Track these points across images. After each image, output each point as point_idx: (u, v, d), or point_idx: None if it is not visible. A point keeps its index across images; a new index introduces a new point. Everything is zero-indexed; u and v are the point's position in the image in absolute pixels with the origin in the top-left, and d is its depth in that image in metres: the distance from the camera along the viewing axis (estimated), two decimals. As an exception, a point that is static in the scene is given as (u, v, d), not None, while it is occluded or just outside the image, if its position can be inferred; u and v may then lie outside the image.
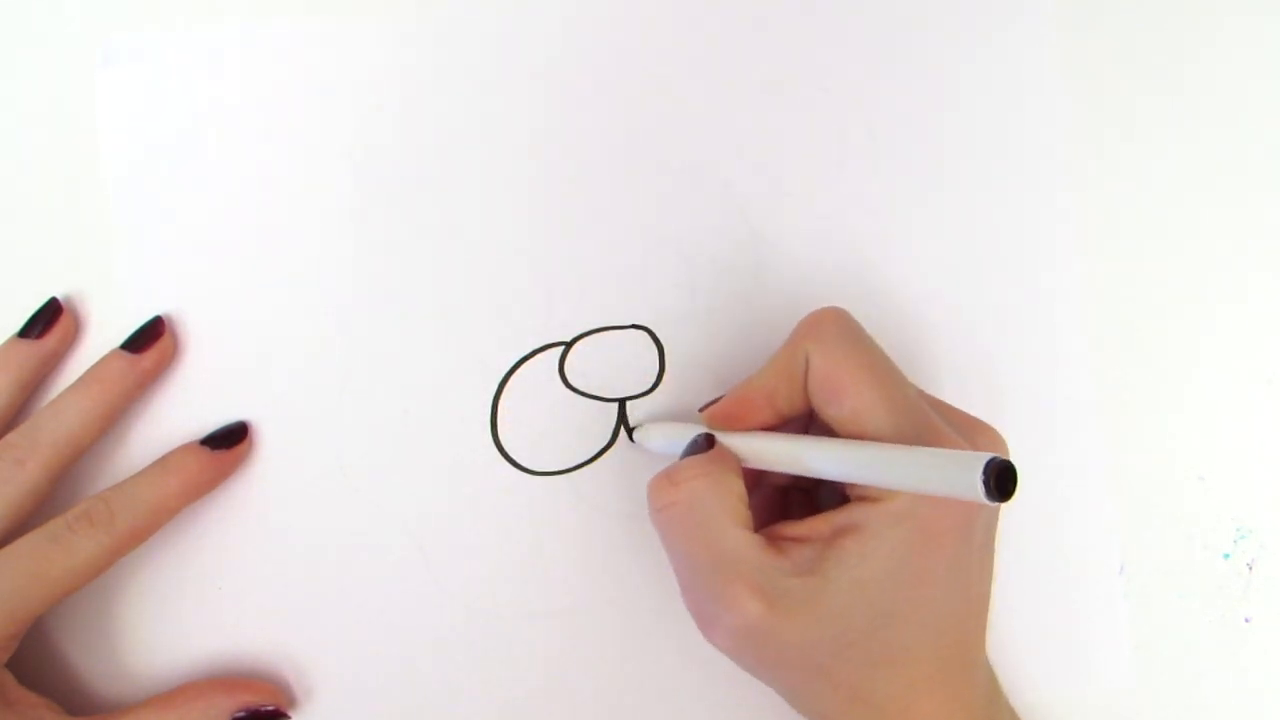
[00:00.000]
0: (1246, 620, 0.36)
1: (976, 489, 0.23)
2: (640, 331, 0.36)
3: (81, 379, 0.33)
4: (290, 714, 0.34)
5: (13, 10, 0.36)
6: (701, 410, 0.33)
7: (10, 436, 0.32)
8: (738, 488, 0.30)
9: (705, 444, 0.31)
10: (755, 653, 0.29)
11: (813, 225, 0.36)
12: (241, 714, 0.33)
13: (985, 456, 0.23)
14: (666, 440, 0.34)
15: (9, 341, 0.34)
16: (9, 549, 0.31)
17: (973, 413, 0.32)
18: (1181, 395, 0.37)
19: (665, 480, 0.30)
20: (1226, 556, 0.36)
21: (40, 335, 0.34)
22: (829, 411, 0.30)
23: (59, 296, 0.35)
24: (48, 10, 0.36)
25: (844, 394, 0.29)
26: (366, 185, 0.36)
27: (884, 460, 0.27)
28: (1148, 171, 0.37)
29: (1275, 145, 0.37)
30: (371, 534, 0.35)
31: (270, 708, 0.33)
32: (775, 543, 0.29)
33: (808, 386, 0.30)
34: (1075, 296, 0.37)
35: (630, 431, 0.35)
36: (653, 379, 0.36)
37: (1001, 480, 0.23)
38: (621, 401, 0.36)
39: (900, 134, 0.36)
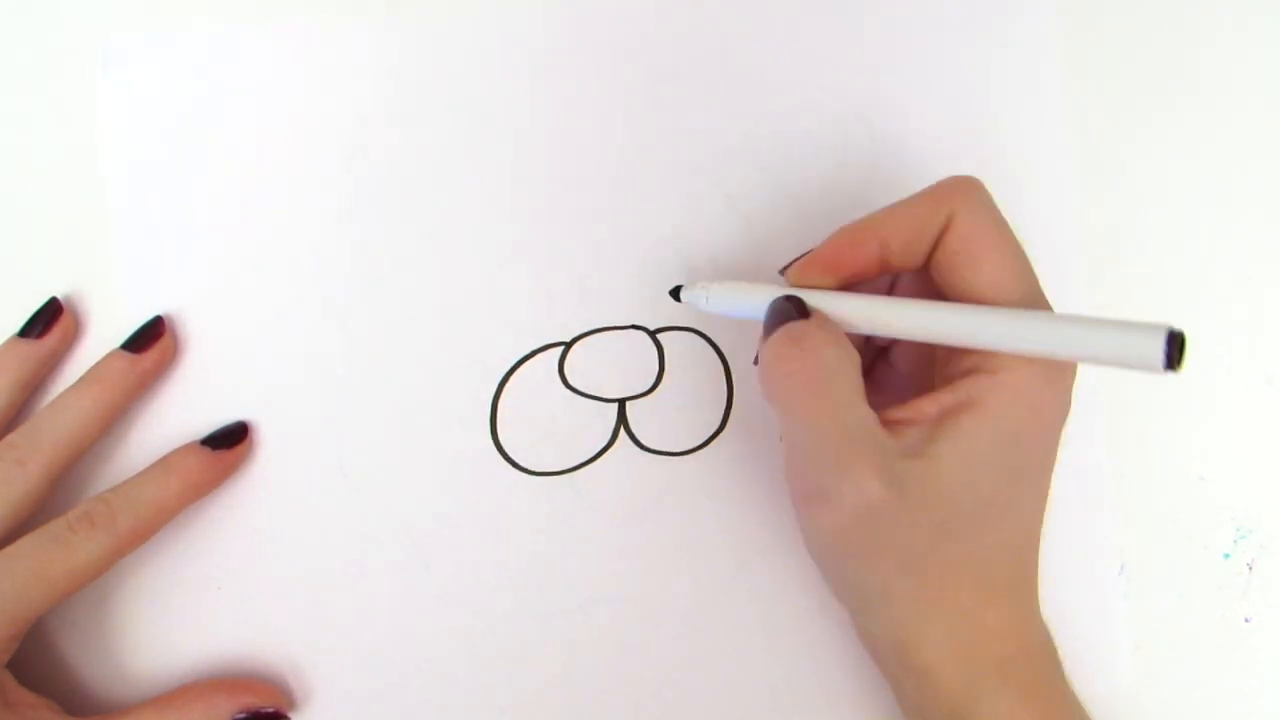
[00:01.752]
0: (1246, 620, 0.36)
1: (1158, 357, 0.23)
2: (640, 331, 0.36)
3: (81, 379, 0.33)
4: (290, 715, 0.34)
5: (13, 10, 0.36)
6: (784, 270, 0.30)
7: (10, 437, 0.32)
8: (857, 357, 0.28)
9: (794, 309, 0.28)
10: (861, 540, 0.27)
11: (813, 225, 0.36)
12: (242, 715, 0.33)
13: (1165, 326, 0.24)
14: (734, 301, 0.30)
15: (9, 341, 0.34)
16: (9, 550, 0.31)
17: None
18: (1181, 395, 0.37)
19: (790, 342, 0.27)
20: (1226, 556, 0.36)
21: (40, 335, 0.34)
22: (956, 276, 0.28)
23: (59, 296, 0.35)
24: (48, 10, 0.36)
25: (984, 260, 0.28)
26: (366, 185, 0.36)
27: (1066, 328, 0.25)
28: (1148, 171, 0.37)
29: (1276, 145, 0.37)
30: (371, 534, 0.35)
31: (270, 709, 0.33)
32: (884, 424, 0.28)
33: (942, 245, 0.28)
34: (1076, 296, 0.37)
35: (675, 291, 0.33)
36: (652, 379, 0.36)
37: (1180, 349, 0.24)
38: (621, 401, 0.36)
39: (900, 134, 0.36)
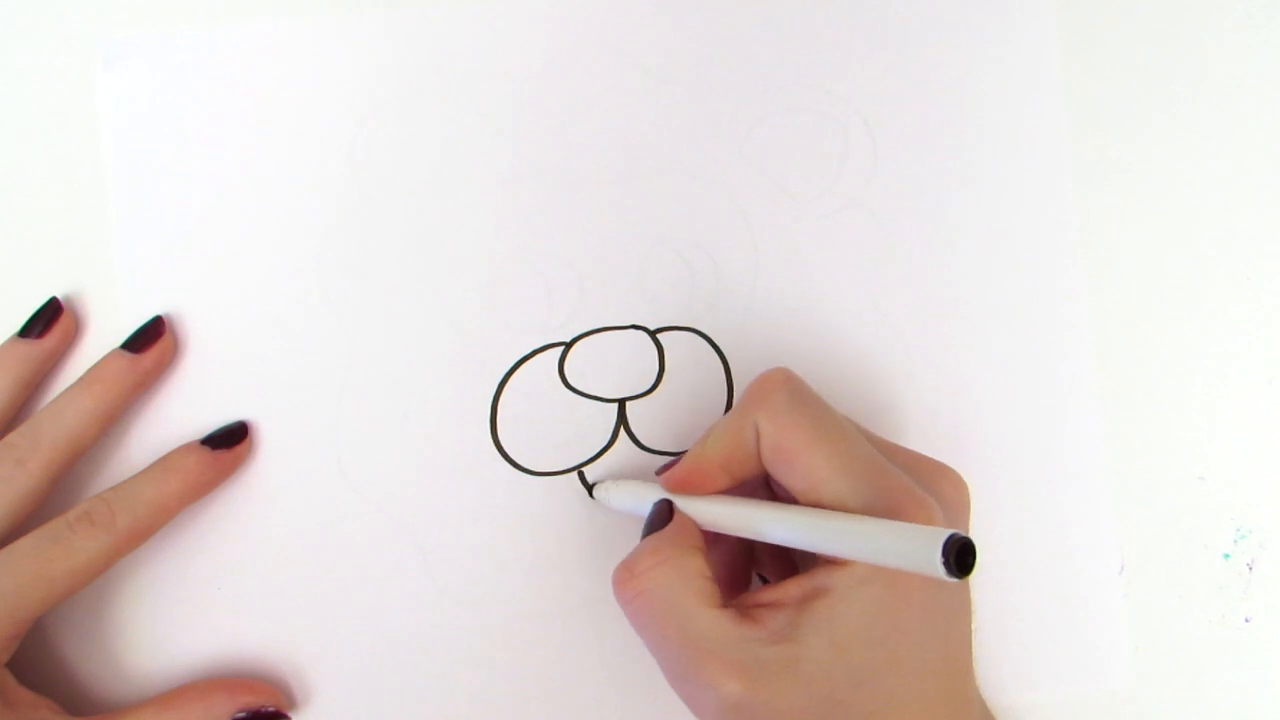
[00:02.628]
0: (1246, 620, 0.36)
1: (936, 566, 0.23)
2: (640, 331, 0.36)
3: (81, 379, 0.33)
4: (290, 714, 0.34)
5: (13, 10, 0.36)
6: (658, 474, 0.32)
7: (11, 436, 0.32)
8: (698, 565, 0.29)
9: (665, 513, 0.31)
10: None
11: (813, 225, 0.36)
12: (242, 714, 0.33)
13: (943, 533, 0.23)
14: (627, 500, 0.33)
15: (9, 341, 0.34)
16: (9, 549, 0.31)
17: (972, 413, 0.32)
18: (1181, 395, 0.37)
19: (626, 573, 0.30)
20: (1226, 556, 0.36)
21: (40, 335, 0.34)
22: (785, 480, 0.29)
23: (59, 296, 0.35)
24: (48, 10, 0.36)
25: (797, 463, 0.29)
26: (366, 185, 0.36)
27: (842, 532, 0.27)
28: (1148, 171, 0.37)
29: (1276, 145, 0.37)
30: (371, 534, 0.35)
31: (270, 708, 0.33)
32: (747, 612, 0.29)
33: (761, 453, 0.30)
34: (1076, 296, 0.37)
35: (589, 489, 0.35)
36: (652, 379, 0.36)
37: (961, 557, 0.23)
38: (621, 402, 0.36)
39: (900, 134, 0.36)
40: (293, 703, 0.34)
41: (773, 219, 0.36)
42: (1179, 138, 0.37)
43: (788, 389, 0.30)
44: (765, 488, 0.32)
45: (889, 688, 0.28)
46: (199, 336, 0.35)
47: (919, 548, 0.24)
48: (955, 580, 0.23)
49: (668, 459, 0.35)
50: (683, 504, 0.31)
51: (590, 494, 0.35)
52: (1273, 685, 0.36)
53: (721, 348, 0.36)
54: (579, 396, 0.35)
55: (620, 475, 0.35)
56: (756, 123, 0.36)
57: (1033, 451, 0.36)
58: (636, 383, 0.36)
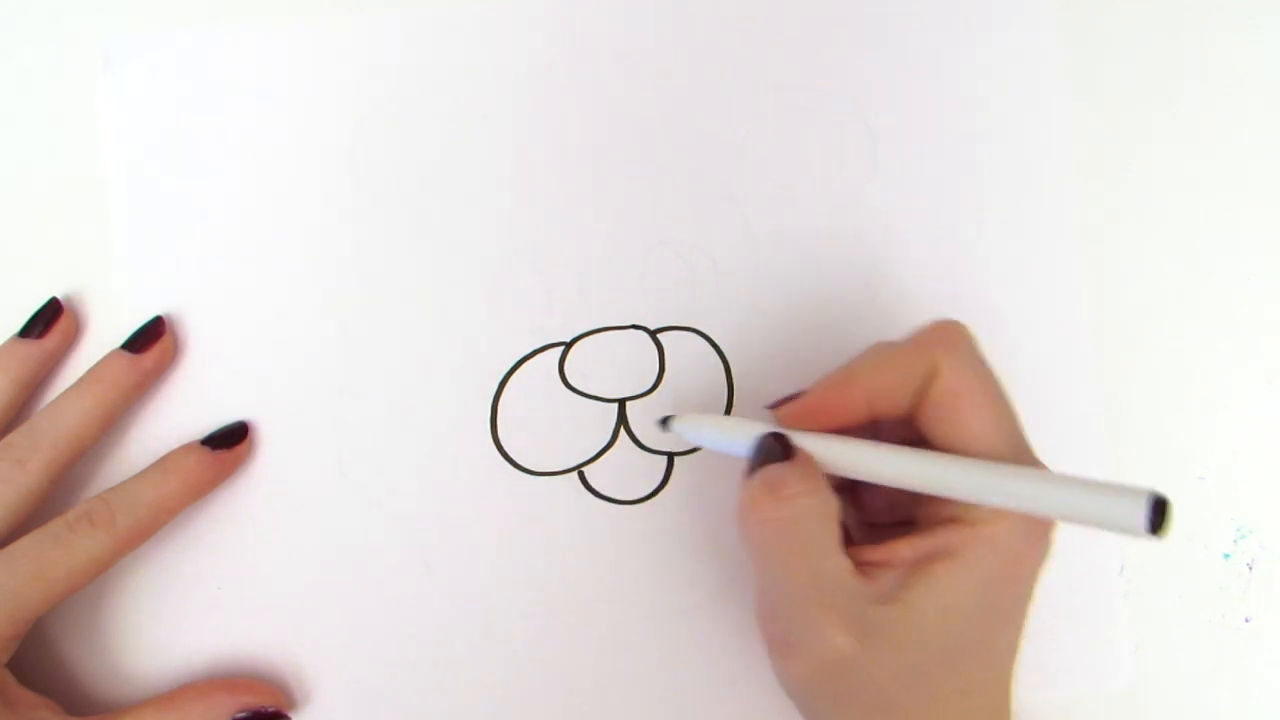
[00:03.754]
0: (1246, 620, 0.36)
1: (1139, 522, 0.23)
2: (640, 331, 0.36)
3: (82, 379, 0.33)
4: (290, 714, 0.34)
5: (13, 10, 0.36)
6: (773, 407, 0.30)
7: (10, 437, 0.32)
8: (836, 505, 0.28)
9: (782, 449, 0.28)
10: (831, 688, 0.27)
11: (813, 225, 0.36)
12: (242, 714, 0.33)
13: (1148, 491, 0.23)
14: (719, 436, 0.31)
15: (9, 341, 0.34)
16: (9, 549, 0.31)
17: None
18: (1181, 395, 0.37)
19: (768, 493, 0.27)
20: (1226, 556, 0.36)
21: (40, 335, 0.34)
22: (941, 427, 0.28)
23: (59, 296, 0.35)
24: (48, 10, 0.36)
25: (969, 413, 0.27)
26: (366, 185, 0.36)
27: (1049, 487, 0.25)
28: (1148, 171, 0.37)
29: (1276, 144, 0.37)
30: (371, 534, 0.35)
31: (271, 708, 0.33)
32: (858, 566, 0.27)
33: (928, 396, 0.28)
34: (1076, 296, 0.37)
35: (664, 421, 0.32)
36: (652, 379, 0.36)
37: (1162, 515, 0.23)
38: (621, 402, 0.36)
39: (900, 134, 0.36)
40: (293, 703, 0.34)
41: (773, 219, 0.36)
42: (1180, 138, 0.37)
43: (972, 340, 0.29)
44: (872, 435, 0.30)
45: (972, 671, 0.28)
46: (199, 336, 0.35)
47: (1126, 504, 0.23)
48: (1152, 538, 0.23)
49: (666, 457, 0.35)
50: (810, 443, 0.28)
51: (664, 426, 0.32)
52: (1273, 685, 0.36)
53: (721, 348, 0.36)
54: (579, 396, 0.35)
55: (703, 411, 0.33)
56: (756, 123, 0.36)
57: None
58: (636, 383, 0.36)
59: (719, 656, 0.35)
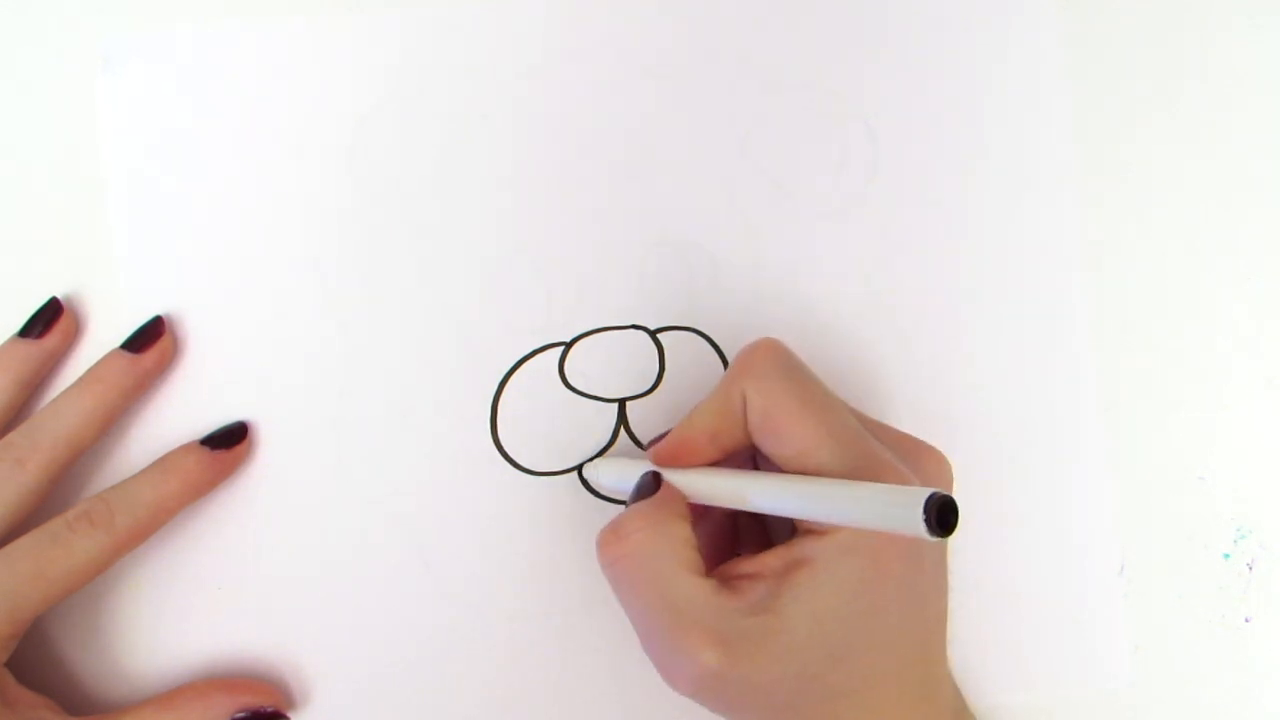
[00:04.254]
0: (1246, 620, 0.36)
1: (918, 525, 0.23)
2: (640, 331, 0.36)
3: (81, 379, 0.33)
4: (290, 714, 0.34)
5: (13, 10, 0.36)
6: (647, 447, 0.32)
7: (10, 436, 0.32)
8: (684, 533, 0.29)
9: (652, 484, 0.31)
10: (719, 698, 0.29)
11: (813, 225, 0.36)
12: (241, 714, 0.33)
13: (925, 492, 0.23)
14: (616, 478, 0.33)
15: (9, 341, 0.34)
16: (9, 549, 0.31)
17: (973, 413, 0.32)
18: (1181, 395, 0.37)
19: (611, 535, 0.30)
20: (1226, 556, 0.36)
21: (40, 335, 0.34)
22: (770, 448, 0.29)
23: (59, 296, 0.35)
24: (48, 10, 0.36)
25: (784, 431, 0.29)
26: (366, 184, 0.36)
27: (825, 496, 0.27)
28: (1148, 171, 0.37)
29: (1276, 145, 0.37)
30: (371, 534, 0.35)
31: (270, 708, 0.33)
32: (728, 582, 0.29)
33: (748, 423, 0.30)
34: (1075, 296, 0.37)
35: (579, 469, 0.35)
36: (653, 379, 0.36)
37: (943, 515, 0.23)
38: (621, 401, 0.36)
39: (900, 134, 0.36)
40: (292, 703, 0.34)
41: (773, 219, 0.36)
42: (1180, 138, 0.37)
43: (775, 358, 0.30)
44: (751, 462, 0.32)
45: (865, 665, 0.28)
46: (199, 336, 0.35)
47: (901, 507, 0.24)
48: (937, 540, 0.23)
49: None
50: (670, 476, 0.31)
51: (580, 476, 0.35)
52: (1273, 685, 0.36)
53: (721, 348, 0.36)
54: (579, 396, 0.35)
55: (611, 455, 0.35)
56: (756, 123, 0.36)
57: (1033, 452, 0.36)
58: (636, 383, 0.36)
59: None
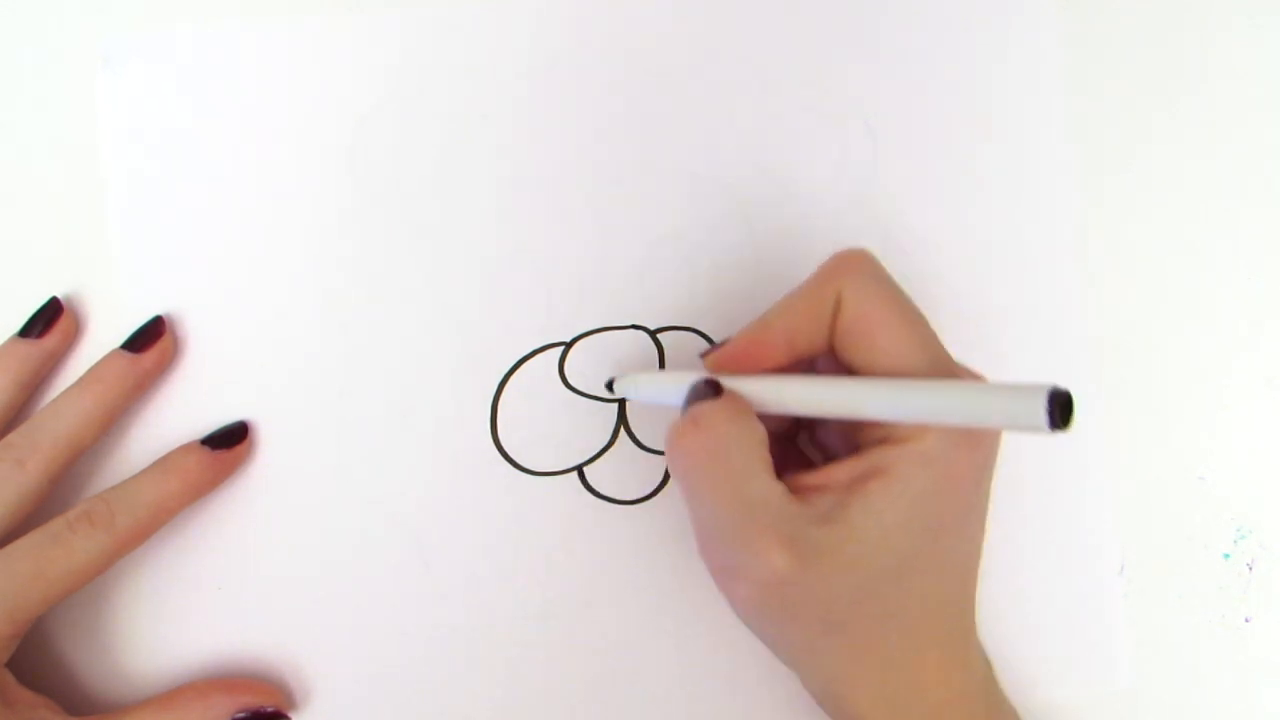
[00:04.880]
0: (1246, 620, 0.36)
1: (1041, 418, 0.23)
2: (640, 331, 0.36)
3: (82, 379, 0.33)
4: (290, 714, 0.34)
5: (13, 10, 0.36)
6: (703, 355, 0.31)
7: (10, 436, 0.32)
8: (762, 432, 0.28)
9: (712, 389, 0.29)
10: (777, 608, 0.28)
11: (813, 225, 0.36)
12: (241, 714, 0.33)
13: (1046, 386, 0.23)
14: (656, 389, 0.32)
15: (9, 341, 0.34)
16: (9, 549, 0.31)
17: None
18: (1181, 395, 0.37)
19: (689, 424, 0.28)
20: (1226, 556, 0.36)
21: (40, 335, 0.34)
22: (857, 353, 0.28)
23: (59, 296, 0.35)
24: (48, 10, 0.36)
25: (879, 334, 0.28)
26: (366, 185, 0.36)
27: (946, 395, 0.26)
28: (1148, 170, 0.37)
29: (1276, 145, 0.37)
30: (371, 534, 0.35)
31: (270, 708, 0.33)
32: (797, 491, 0.28)
33: (837, 326, 0.29)
34: (1075, 296, 0.37)
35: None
36: (653, 379, 0.36)
37: (1065, 409, 0.23)
38: (621, 402, 0.36)
39: (900, 134, 0.36)
40: (293, 703, 0.34)
41: (773, 219, 0.36)
42: (1179, 138, 0.37)
43: (872, 263, 0.29)
44: (810, 371, 0.31)
45: (920, 586, 0.28)
46: (199, 336, 0.35)
47: (1026, 401, 0.23)
48: (1057, 432, 0.23)
49: (664, 457, 0.35)
50: (735, 384, 0.29)
51: (609, 388, 0.34)
52: (1273, 685, 0.36)
53: (721, 348, 0.36)
54: (579, 396, 0.35)
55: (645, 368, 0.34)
56: (756, 123, 0.36)
57: (1033, 452, 0.36)
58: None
59: (718, 656, 0.35)
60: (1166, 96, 0.37)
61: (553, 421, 0.35)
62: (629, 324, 0.36)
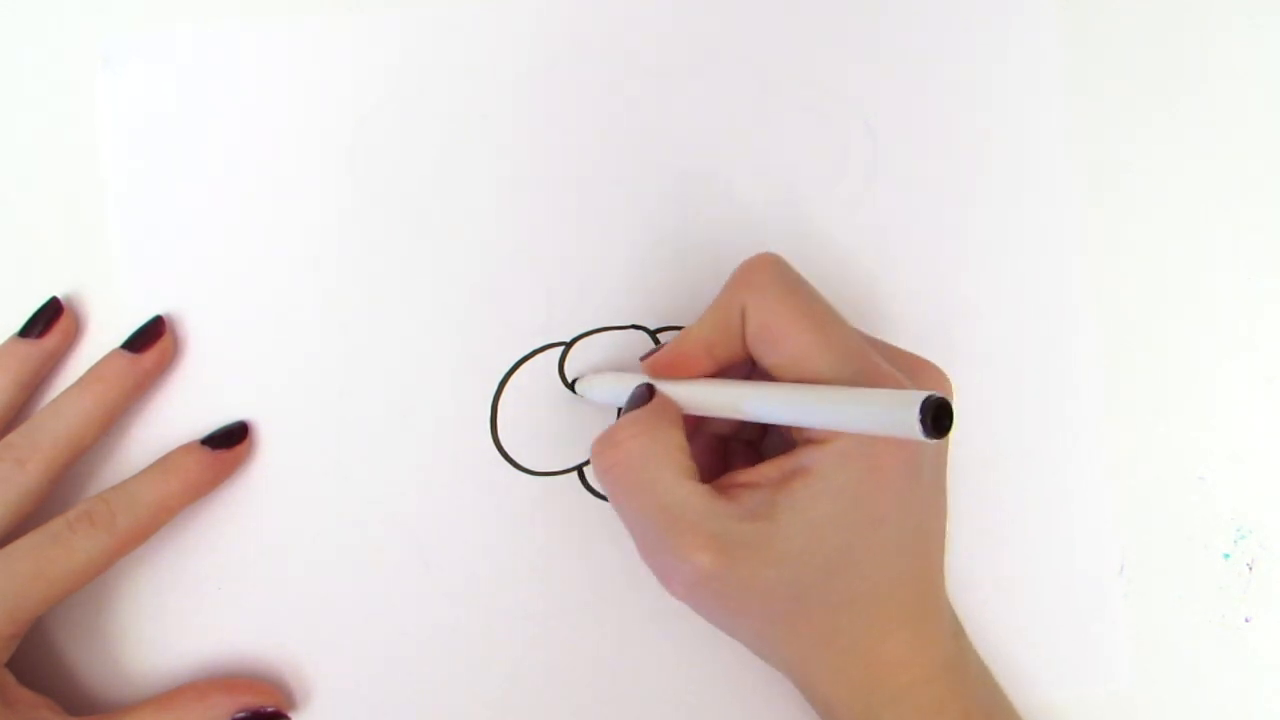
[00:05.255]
0: (1246, 620, 0.36)
1: (914, 427, 0.23)
2: (640, 331, 0.36)
3: (82, 379, 0.33)
4: (290, 714, 0.34)
5: (13, 10, 0.36)
6: (642, 360, 0.32)
7: (10, 436, 0.32)
8: (678, 439, 0.30)
9: (646, 394, 0.31)
10: (714, 602, 0.29)
11: (813, 225, 0.36)
12: (241, 714, 0.33)
13: (921, 394, 0.23)
14: (608, 391, 0.33)
15: (9, 341, 0.34)
16: (9, 549, 0.31)
17: (973, 413, 0.32)
18: (1181, 395, 0.37)
19: (606, 442, 0.30)
20: (1226, 556, 0.36)
21: (40, 335, 0.34)
22: (768, 360, 0.30)
23: (59, 296, 0.35)
24: (48, 10, 0.36)
25: (782, 341, 0.29)
26: (366, 185, 0.36)
27: (822, 401, 0.27)
28: (1148, 170, 0.37)
29: (1276, 145, 0.37)
30: (371, 534, 0.35)
31: (270, 708, 0.33)
32: (725, 490, 0.29)
33: (745, 336, 0.30)
34: (1076, 296, 0.37)
35: (571, 384, 0.35)
36: (653, 379, 0.36)
37: (938, 417, 0.23)
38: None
39: (900, 134, 0.36)
40: (292, 703, 0.34)
41: (773, 219, 0.36)
42: (1179, 137, 0.37)
43: (775, 270, 0.30)
44: (746, 376, 0.32)
45: (863, 576, 0.29)
46: (199, 336, 0.35)
47: (897, 409, 0.24)
48: (933, 440, 0.23)
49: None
50: (664, 387, 0.31)
51: (571, 389, 0.35)
52: (1273, 685, 0.36)
53: (721, 348, 0.36)
54: (579, 396, 0.35)
55: (601, 369, 0.35)
56: (756, 123, 0.36)
57: (1033, 452, 0.36)
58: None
59: (718, 656, 0.35)
60: (1166, 96, 0.37)
61: (553, 421, 0.35)
62: (629, 324, 0.36)
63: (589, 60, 0.36)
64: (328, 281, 0.35)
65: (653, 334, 0.36)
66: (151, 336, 0.34)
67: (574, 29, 0.36)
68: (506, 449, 0.35)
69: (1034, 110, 0.37)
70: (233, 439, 0.34)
